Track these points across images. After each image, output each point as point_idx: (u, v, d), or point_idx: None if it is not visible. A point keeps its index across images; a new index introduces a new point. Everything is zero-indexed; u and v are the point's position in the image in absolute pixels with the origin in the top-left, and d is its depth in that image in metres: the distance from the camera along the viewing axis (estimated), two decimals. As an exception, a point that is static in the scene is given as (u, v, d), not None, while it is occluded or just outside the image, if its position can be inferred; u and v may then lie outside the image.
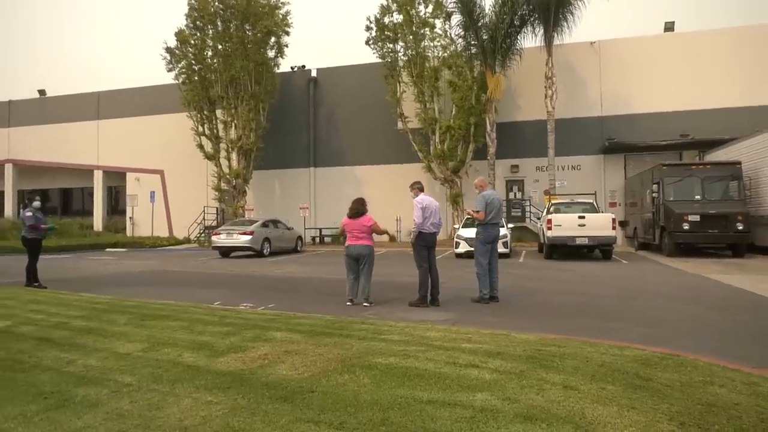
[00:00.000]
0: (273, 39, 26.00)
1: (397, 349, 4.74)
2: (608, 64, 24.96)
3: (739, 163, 17.12)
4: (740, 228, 15.91)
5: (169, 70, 26.16)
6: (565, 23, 22.13)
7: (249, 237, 19.14)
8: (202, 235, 27.76)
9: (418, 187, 9.02)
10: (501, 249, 17.06)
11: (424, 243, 8.52)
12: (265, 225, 20.60)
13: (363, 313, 7.52)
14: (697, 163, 19.24)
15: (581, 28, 22.76)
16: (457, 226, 19.97)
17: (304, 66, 29.77)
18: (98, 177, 33.55)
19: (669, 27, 25.80)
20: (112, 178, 33.83)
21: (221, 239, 19.51)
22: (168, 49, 25.82)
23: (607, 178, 25.20)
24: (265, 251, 19.71)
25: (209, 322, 6.09)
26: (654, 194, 18.07)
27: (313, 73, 29.63)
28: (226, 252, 19.92)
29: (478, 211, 8.77)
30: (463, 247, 17.45)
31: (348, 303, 8.33)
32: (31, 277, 10.55)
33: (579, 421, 3.11)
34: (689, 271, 12.96)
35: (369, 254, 8.52)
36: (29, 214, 10.51)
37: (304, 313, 7.09)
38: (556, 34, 22.30)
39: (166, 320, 6.25)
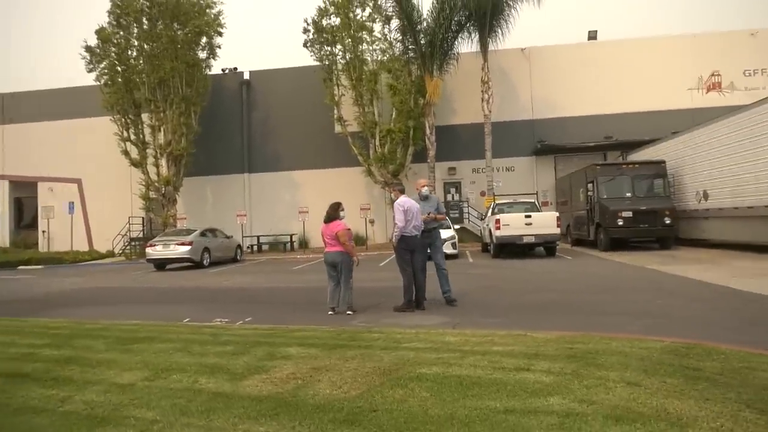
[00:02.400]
0: (204, 39, 24.84)
1: (432, 357, 4.54)
2: (538, 70, 26.03)
3: (664, 162, 18.36)
4: (667, 222, 17.01)
5: (90, 71, 24.28)
6: (499, 29, 22.81)
7: (188, 247, 18.11)
8: (128, 247, 26.01)
9: (398, 189, 8.76)
10: (450, 250, 17.37)
11: (407, 246, 8.27)
12: (203, 234, 19.60)
13: (351, 321, 7.23)
14: (627, 162, 20.42)
15: (513, 35, 23.53)
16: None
17: (236, 68, 28.68)
18: (3, 188, 30.52)
19: (592, 36, 27.31)
20: (20, 189, 30.83)
21: (157, 251, 18.31)
22: (88, 48, 23.95)
23: (539, 178, 26.22)
24: (204, 262, 18.76)
25: (204, 342, 5.58)
26: (589, 193, 19.00)
27: (246, 76, 28.62)
28: (161, 264, 18.72)
29: (442, 213, 8.87)
30: (413, 250, 17.40)
31: (330, 312, 7.97)
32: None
33: (668, 418, 3.07)
34: (633, 264, 13.65)
35: (343, 261, 8.12)
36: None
37: (290, 325, 6.69)
38: (491, 40, 22.95)
39: (151, 343, 5.66)
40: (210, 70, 26.25)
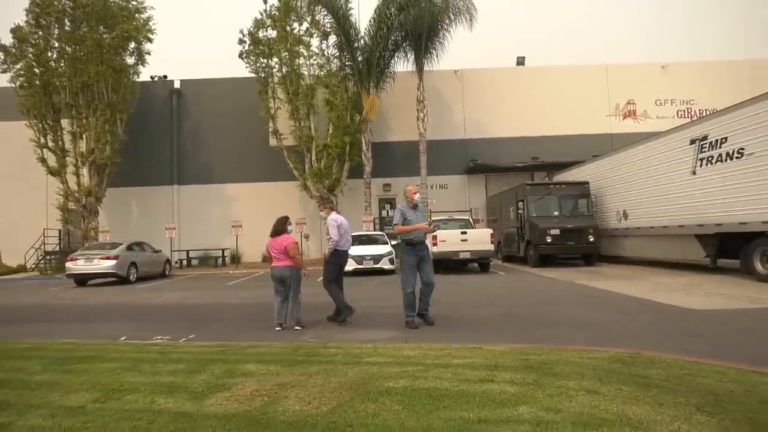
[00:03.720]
0: (133, 45, 23.84)
1: (396, 371, 4.58)
2: (470, 92, 27.05)
3: (588, 182, 19.50)
4: (591, 240, 18.02)
5: (3, 71, 22.59)
6: (434, 50, 23.49)
7: (113, 262, 17.16)
8: (43, 261, 24.25)
9: (330, 207, 9.18)
10: (387, 266, 17.59)
11: (338, 261, 8.61)
12: (130, 248, 18.61)
13: (302, 337, 7.14)
14: (554, 182, 21.49)
15: (448, 57, 24.39)
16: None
17: (165, 76, 27.69)
18: None
19: (520, 61, 28.77)
20: None
21: (79, 265, 17.20)
22: (2, 47, 22.28)
23: (471, 195, 27.07)
24: (131, 277, 17.82)
25: (153, 360, 5.31)
26: (519, 211, 19.83)
27: (177, 84, 27.71)
28: (83, 280, 17.62)
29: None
30: (351, 265, 17.41)
31: (277, 328, 7.83)
32: None
33: (630, 422, 3.28)
34: (563, 279, 14.34)
35: (291, 275, 8.07)
36: None
37: (237, 342, 6.50)
38: (426, 61, 23.58)
39: (94, 362, 5.31)
40: (138, 77, 25.20)
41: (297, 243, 8.21)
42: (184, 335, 7.48)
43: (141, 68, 24.76)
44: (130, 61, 24.21)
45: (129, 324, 9.08)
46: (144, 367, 5.04)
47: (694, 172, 14.05)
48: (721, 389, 3.93)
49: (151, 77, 27.31)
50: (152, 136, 26.76)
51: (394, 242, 20.91)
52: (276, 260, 8.14)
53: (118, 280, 17.56)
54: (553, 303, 10.01)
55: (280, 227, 8.25)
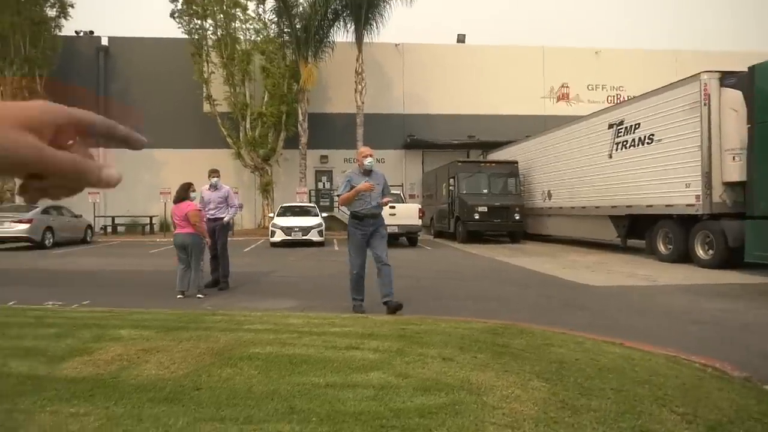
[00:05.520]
0: (54, -6, 22.41)
1: (269, 338, 4.61)
2: (410, 66, 27.00)
3: (517, 162, 20.02)
4: (517, 218, 18.61)
5: None
6: (374, 22, 23.24)
7: (27, 226, 16.35)
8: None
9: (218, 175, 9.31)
10: (316, 237, 17.57)
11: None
12: (46, 212, 17.72)
13: (201, 305, 7.08)
14: (485, 161, 21.95)
15: (389, 30, 24.25)
16: (271, 215, 19.70)
17: (92, 32, 26.16)
18: None
19: (461, 39, 28.90)
20: None
21: (-12, 229, 16.28)
22: None
23: (408, 171, 27.29)
24: (47, 242, 17.07)
25: (24, 325, 5.12)
26: (450, 187, 20.17)
27: (104, 42, 26.23)
28: (-9, 244, 16.72)
29: (389, 193, 6.97)
30: (279, 236, 17.34)
31: (179, 296, 7.72)
32: None
33: (469, 387, 3.43)
34: (485, 255, 14.78)
35: (192, 243, 7.92)
36: None
37: (130, 308, 6.37)
38: (366, 32, 23.30)
39: (-42, 326, 5.07)
40: (60, 31, 23.66)
41: (199, 210, 8.06)
42: (77, 300, 7.25)
43: (63, 22, 23.27)
44: (51, 13, 22.72)
45: (27, 289, 8.73)
46: (11, 332, 4.86)
47: (610, 156, 14.66)
48: (569, 358, 4.17)
49: (76, 32, 25.72)
50: (78, 96, 25.33)
51: (325, 214, 20.93)
52: (179, 227, 8.01)
53: (33, 245, 16.76)
54: (467, 277, 10.32)
55: (183, 194, 8.12)
